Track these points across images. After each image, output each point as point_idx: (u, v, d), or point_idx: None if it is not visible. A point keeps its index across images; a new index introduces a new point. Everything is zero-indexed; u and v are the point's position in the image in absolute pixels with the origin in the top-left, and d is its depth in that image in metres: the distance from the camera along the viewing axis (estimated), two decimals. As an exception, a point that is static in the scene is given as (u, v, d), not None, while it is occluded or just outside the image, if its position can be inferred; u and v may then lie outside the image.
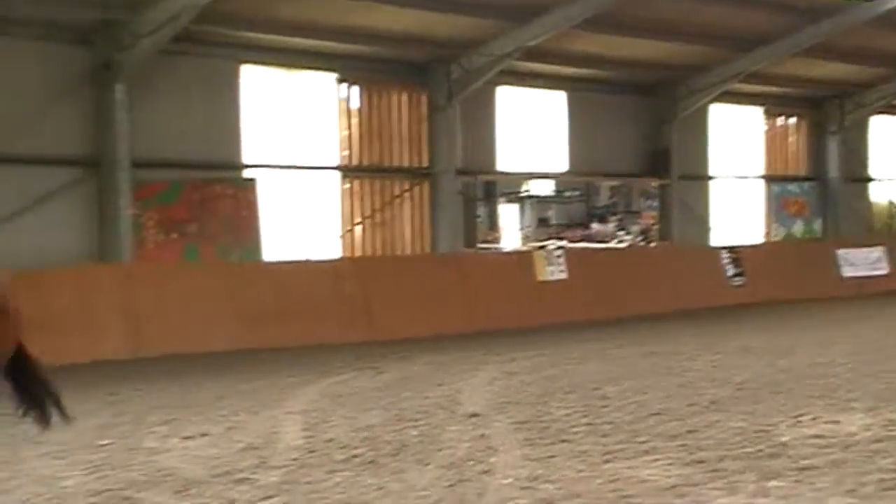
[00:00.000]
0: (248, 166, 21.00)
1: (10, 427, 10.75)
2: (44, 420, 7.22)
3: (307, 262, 20.32)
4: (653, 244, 27.60)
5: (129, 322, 17.07)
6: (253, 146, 20.96)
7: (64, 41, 18.36)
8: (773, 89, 29.38)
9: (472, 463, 8.58)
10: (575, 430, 9.92)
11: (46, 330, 15.93)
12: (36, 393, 7.26)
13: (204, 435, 10.12)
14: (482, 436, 9.70)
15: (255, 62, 20.94)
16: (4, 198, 17.65)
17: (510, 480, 7.95)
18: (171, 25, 17.73)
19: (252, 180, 20.91)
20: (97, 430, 10.56)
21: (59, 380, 14.16)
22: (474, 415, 10.81)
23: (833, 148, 31.68)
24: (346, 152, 22.60)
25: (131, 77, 18.35)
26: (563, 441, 9.39)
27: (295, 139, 21.67)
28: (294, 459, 8.90)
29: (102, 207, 18.61)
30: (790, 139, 31.51)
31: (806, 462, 8.30)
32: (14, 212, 17.77)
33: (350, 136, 22.62)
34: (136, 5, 17.80)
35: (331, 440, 9.67)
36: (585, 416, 10.63)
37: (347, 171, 22.74)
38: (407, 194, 23.51)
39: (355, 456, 8.99)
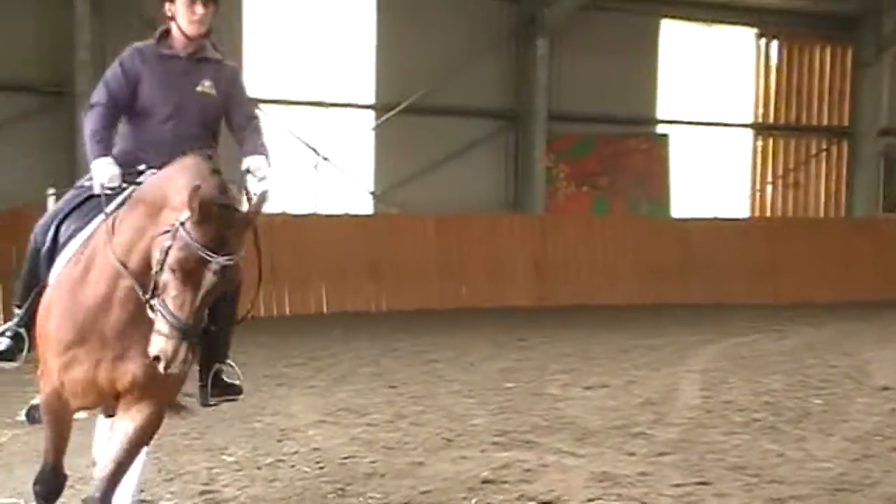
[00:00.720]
0: (661, 122, 21.01)
1: (422, 364, 11.53)
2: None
3: (715, 219, 20.09)
4: None
5: (537, 271, 17.64)
6: (668, 101, 20.93)
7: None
8: None
9: (880, 438, 8.22)
10: None
11: (461, 273, 16.88)
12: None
13: (604, 386, 10.33)
14: (893, 410, 9.26)
15: (676, 17, 20.83)
16: (432, 146, 18.72)
17: (921, 461, 7.56)
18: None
19: (665, 136, 20.90)
20: (504, 372, 11.07)
21: (469, 322, 14.86)
22: (885, 388, 10.33)
23: None
24: (762, 109, 22.06)
25: (553, 32, 18.87)
26: None
27: (710, 95, 21.40)
28: (691, 418, 8.90)
29: (518, 159, 19.36)
30: None
31: None
32: (440, 159, 18.81)
33: (767, 92, 22.04)
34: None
35: (730, 402, 9.59)
36: None
37: (762, 128, 22.20)
38: (823, 154, 22.63)
39: (755, 419, 8.86)
